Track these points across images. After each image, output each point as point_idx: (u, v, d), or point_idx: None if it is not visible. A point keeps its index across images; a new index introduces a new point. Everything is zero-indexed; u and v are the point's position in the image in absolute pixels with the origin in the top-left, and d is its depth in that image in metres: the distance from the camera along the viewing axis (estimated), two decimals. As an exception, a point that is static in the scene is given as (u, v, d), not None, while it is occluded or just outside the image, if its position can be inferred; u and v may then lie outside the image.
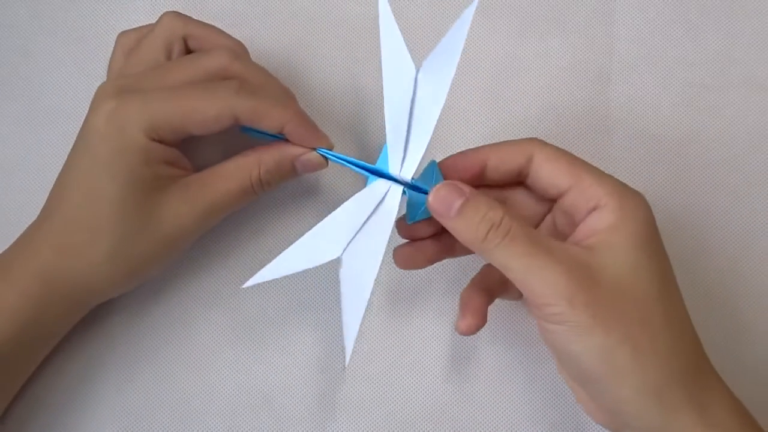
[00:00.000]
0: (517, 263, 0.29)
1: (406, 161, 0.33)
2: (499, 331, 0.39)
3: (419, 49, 0.32)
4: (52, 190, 0.34)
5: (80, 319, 0.36)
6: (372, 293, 0.31)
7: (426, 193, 0.32)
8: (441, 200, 0.31)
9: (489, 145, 0.33)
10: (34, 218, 0.34)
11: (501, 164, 0.33)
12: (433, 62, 0.32)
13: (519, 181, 0.34)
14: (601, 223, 0.30)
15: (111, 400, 0.38)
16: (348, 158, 0.34)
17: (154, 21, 0.36)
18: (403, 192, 0.33)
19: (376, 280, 0.31)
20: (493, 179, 0.33)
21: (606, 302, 0.29)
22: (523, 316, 0.39)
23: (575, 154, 0.32)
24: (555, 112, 0.41)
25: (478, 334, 0.38)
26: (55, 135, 0.40)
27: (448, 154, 0.33)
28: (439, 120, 0.32)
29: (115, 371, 0.38)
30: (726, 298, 0.39)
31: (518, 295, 0.36)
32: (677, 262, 0.31)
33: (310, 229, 0.31)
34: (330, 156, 0.35)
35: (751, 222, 0.40)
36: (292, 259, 0.31)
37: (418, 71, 0.32)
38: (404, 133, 0.33)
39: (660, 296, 0.30)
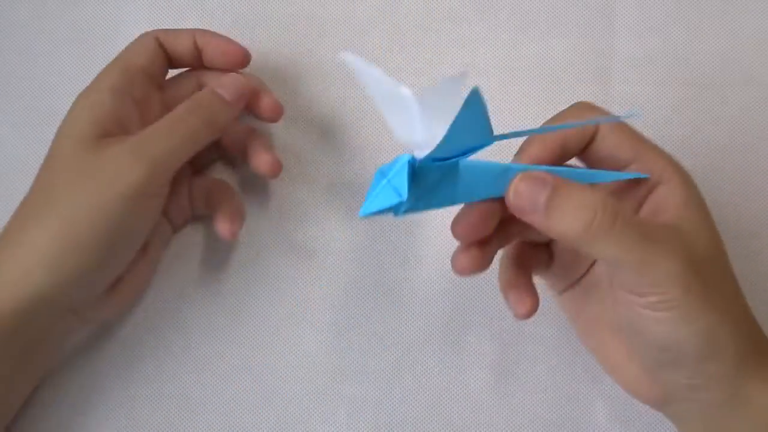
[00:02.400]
0: (631, 256, 0.27)
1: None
2: (498, 331, 0.39)
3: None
4: None
5: (64, 336, 0.35)
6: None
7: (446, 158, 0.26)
8: (523, 197, 0.27)
9: (552, 124, 0.31)
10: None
11: (571, 140, 0.31)
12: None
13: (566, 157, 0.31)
14: (672, 199, 0.29)
15: (109, 399, 0.38)
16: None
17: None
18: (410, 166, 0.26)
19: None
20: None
21: (708, 283, 0.28)
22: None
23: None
24: (555, 112, 0.40)
25: (477, 332, 0.38)
26: (56, 135, 0.40)
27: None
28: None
29: (114, 369, 0.38)
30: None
31: (553, 270, 0.34)
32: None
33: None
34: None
35: (753, 221, 0.40)
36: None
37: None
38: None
39: (730, 271, 0.30)
